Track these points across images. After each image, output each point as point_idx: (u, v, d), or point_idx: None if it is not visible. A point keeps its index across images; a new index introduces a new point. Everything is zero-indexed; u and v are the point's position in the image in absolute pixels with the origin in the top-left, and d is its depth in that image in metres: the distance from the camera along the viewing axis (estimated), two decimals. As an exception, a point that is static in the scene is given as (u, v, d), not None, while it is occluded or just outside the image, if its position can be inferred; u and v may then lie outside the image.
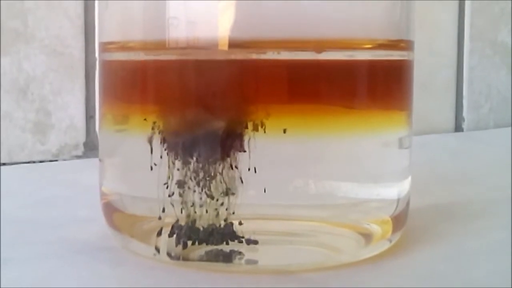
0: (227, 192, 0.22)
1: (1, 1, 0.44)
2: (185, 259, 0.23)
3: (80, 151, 0.47)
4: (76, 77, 0.47)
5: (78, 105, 0.47)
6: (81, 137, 0.47)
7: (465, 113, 0.64)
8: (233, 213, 0.22)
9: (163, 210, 0.23)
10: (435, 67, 0.62)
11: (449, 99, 0.63)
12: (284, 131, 0.22)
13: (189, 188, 0.22)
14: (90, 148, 0.48)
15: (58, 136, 0.47)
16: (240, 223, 0.22)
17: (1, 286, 0.22)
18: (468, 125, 0.64)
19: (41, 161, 0.46)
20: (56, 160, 0.47)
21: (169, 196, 0.23)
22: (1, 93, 0.45)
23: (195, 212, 0.22)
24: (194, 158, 0.22)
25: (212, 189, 0.22)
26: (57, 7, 0.46)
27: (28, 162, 0.46)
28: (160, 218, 0.23)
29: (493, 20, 0.64)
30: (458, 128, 0.64)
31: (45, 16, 0.46)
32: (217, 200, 0.22)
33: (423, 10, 0.60)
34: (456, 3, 0.63)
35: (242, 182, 0.22)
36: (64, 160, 0.47)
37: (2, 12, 0.44)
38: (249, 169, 0.22)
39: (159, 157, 0.23)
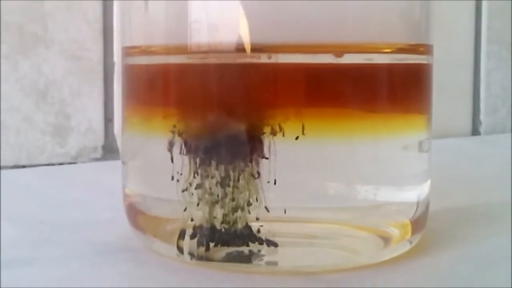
0: (248, 195, 0.22)
1: (22, 6, 0.45)
2: (208, 259, 0.23)
3: (98, 153, 0.48)
4: (95, 81, 0.47)
5: (96, 108, 0.47)
6: (100, 140, 0.48)
7: (482, 117, 0.64)
8: (254, 215, 0.22)
9: (185, 212, 0.23)
10: (452, 70, 0.62)
11: (466, 103, 0.63)
12: (304, 133, 0.22)
13: (210, 189, 0.23)
14: (109, 150, 0.48)
15: (77, 139, 0.47)
16: (261, 226, 0.22)
17: (27, 287, 0.22)
18: (485, 128, 0.64)
19: (60, 164, 0.47)
20: (75, 163, 0.47)
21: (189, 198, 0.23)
22: (21, 97, 0.45)
23: (216, 214, 0.23)
24: (215, 161, 0.22)
25: (232, 191, 0.22)
26: (76, 12, 0.46)
27: (48, 165, 0.46)
28: (182, 219, 0.23)
29: (510, 22, 0.64)
30: (475, 131, 0.64)
31: (64, 20, 0.46)
32: (238, 202, 0.23)
33: (440, 13, 0.60)
34: (473, 6, 0.63)
35: (262, 185, 0.22)
36: (83, 162, 0.47)
37: (22, 17, 0.45)
38: (270, 181, 0.22)
39: (181, 160, 0.23)
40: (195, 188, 0.23)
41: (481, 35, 0.63)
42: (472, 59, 0.63)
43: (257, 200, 0.22)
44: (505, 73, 0.64)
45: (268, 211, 0.22)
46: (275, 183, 0.22)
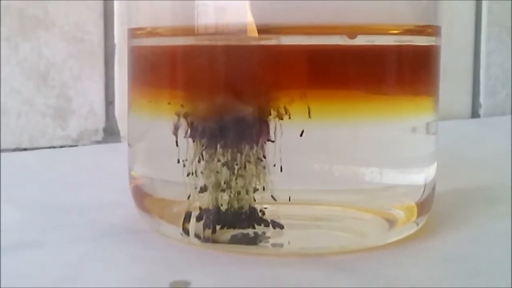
0: (254, 177, 0.22)
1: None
2: (214, 241, 0.23)
3: (99, 136, 0.48)
4: (96, 63, 0.47)
5: (97, 91, 0.47)
6: (101, 123, 0.48)
7: (482, 99, 0.64)
8: (260, 197, 0.22)
9: (190, 195, 0.23)
10: (452, 53, 0.61)
11: (466, 85, 0.63)
12: (310, 116, 0.22)
13: (217, 172, 0.23)
14: (110, 133, 0.48)
15: (78, 122, 0.47)
16: (266, 208, 0.23)
17: (35, 270, 0.22)
18: (485, 111, 0.64)
19: (61, 146, 0.47)
20: (76, 145, 0.47)
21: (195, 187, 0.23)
22: (22, 79, 0.45)
23: (222, 197, 0.23)
24: (221, 144, 0.22)
25: (238, 174, 0.23)
26: (77, -6, 0.46)
27: (49, 147, 0.46)
28: (188, 202, 0.23)
29: (510, 5, 0.64)
30: (474, 114, 0.64)
31: (65, 2, 0.46)
32: (244, 185, 0.23)
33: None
34: (474, -12, 0.63)
35: (268, 167, 0.22)
36: (84, 145, 0.47)
37: (23, -1, 0.45)
38: (276, 164, 0.22)
39: (187, 142, 0.23)
40: (201, 171, 0.23)
41: (481, 18, 0.63)
42: (472, 42, 0.63)
43: (262, 183, 0.22)
44: (505, 55, 0.64)
45: (274, 194, 0.22)
46: (281, 166, 0.22)
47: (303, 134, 0.22)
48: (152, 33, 0.25)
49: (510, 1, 0.64)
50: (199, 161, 0.23)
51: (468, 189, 0.33)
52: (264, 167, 0.22)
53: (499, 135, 0.53)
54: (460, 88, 0.63)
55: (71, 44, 0.46)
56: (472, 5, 0.63)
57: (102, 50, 0.47)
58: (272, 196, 0.22)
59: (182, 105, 0.23)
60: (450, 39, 0.61)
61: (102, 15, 0.47)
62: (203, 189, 0.23)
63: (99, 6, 0.47)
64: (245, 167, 0.22)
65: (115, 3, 0.47)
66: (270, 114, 0.22)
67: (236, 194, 0.23)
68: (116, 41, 0.47)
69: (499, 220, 0.28)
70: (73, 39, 0.46)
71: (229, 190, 0.23)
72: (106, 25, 0.47)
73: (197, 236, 0.23)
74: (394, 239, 0.24)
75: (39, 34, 0.45)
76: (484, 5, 0.63)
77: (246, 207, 0.23)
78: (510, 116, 0.62)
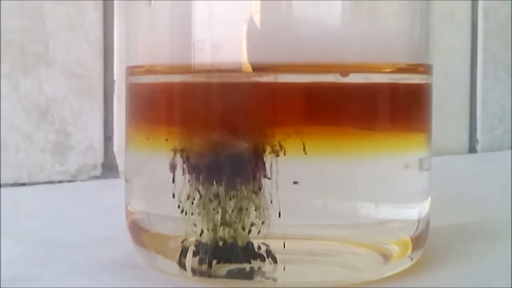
0: (250, 213, 0.23)
1: (23, 26, 0.45)
2: (210, 276, 0.23)
3: (98, 171, 0.48)
4: (95, 99, 0.48)
5: (96, 127, 0.48)
6: (99, 158, 0.48)
7: (479, 135, 0.64)
8: (255, 232, 0.23)
9: (188, 229, 0.23)
10: (449, 90, 0.62)
11: (463, 121, 0.64)
12: (305, 153, 0.22)
13: (213, 210, 0.23)
14: (108, 168, 0.48)
15: (77, 157, 0.47)
16: (262, 243, 0.23)
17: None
18: (482, 146, 0.64)
19: (60, 182, 0.47)
20: (75, 181, 0.47)
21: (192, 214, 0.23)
22: (22, 115, 0.46)
23: (218, 232, 0.23)
24: (217, 180, 0.23)
25: (234, 210, 0.23)
26: (78, 31, 0.47)
27: (47, 183, 0.46)
28: (184, 238, 0.23)
29: (506, 42, 0.65)
30: (472, 149, 0.64)
31: (65, 39, 0.46)
32: (240, 220, 0.23)
33: (437, 33, 0.60)
34: (469, 26, 0.63)
35: (266, 203, 0.22)
36: (82, 180, 0.47)
37: (24, 36, 0.45)
38: (272, 199, 0.22)
39: (183, 178, 0.23)
40: (197, 207, 0.23)
41: (477, 55, 0.64)
42: (468, 79, 0.64)
43: (259, 219, 0.23)
44: (501, 92, 0.65)
45: (270, 229, 0.22)
46: (279, 212, 0.22)
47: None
48: (150, 70, 0.25)
49: (505, 38, 0.65)
50: (195, 197, 0.23)
51: (464, 224, 0.33)
52: (260, 203, 0.22)
53: (496, 170, 0.53)
54: (458, 124, 0.63)
55: (71, 80, 0.47)
56: (467, 42, 0.63)
57: (102, 86, 0.48)
58: (268, 226, 0.22)
59: (179, 141, 0.23)
60: (447, 76, 0.61)
61: (102, 51, 0.48)
62: (200, 224, 0.23)
63: (99, 43, 0.47)
64: (241, 202, 0.23)
65: (115, 40, 0.48)
66: (266, 151, 0.22)
67: (232, 230, 0.23)
68: (115, 77, 0.48)
69: (494, 256, 0.28)
70: (73, 75, 0.47)
71: (225, 226, 0.23)
72: (105, 61, 0.48)
73: (193, 271, 0.23)
74: (389, 273, 0.24)
75: (40, 70, 0.46)
76: (480, 42, 0.63)
77: (242, 243, 0.23)
78: (507, 151, 0.63)
